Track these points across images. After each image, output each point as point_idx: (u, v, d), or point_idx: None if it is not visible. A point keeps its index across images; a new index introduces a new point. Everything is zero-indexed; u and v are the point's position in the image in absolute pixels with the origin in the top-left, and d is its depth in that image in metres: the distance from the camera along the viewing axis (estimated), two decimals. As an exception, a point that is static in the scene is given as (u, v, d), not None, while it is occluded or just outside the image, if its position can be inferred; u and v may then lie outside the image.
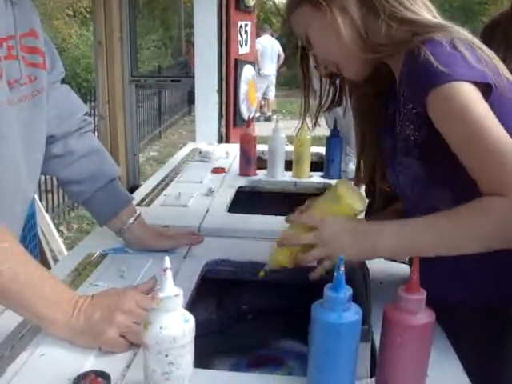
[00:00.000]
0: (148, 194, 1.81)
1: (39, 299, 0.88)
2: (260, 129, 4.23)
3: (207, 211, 1.62)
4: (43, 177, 4.16)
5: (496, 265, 0.98)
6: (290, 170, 2.03)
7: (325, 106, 1.17)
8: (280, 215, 1.57)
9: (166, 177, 2.04)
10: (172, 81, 3.41)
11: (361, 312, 0.75)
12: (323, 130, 1.96)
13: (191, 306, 1.08)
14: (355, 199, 1.02)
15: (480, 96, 0.86)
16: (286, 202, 1.97)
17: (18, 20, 0.99)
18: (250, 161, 2.02)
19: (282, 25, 13.78)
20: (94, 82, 3.01)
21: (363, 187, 1.28)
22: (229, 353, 1.23)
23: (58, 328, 0.89)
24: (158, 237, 1.31)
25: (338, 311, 0.73)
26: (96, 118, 2.77)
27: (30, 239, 2.02)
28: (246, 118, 2.87)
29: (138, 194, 1.79)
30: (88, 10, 11.66)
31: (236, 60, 2.86)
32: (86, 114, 1.27)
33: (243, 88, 2.94)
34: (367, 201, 1.12)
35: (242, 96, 2.93)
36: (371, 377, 0.83)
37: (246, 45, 3.03)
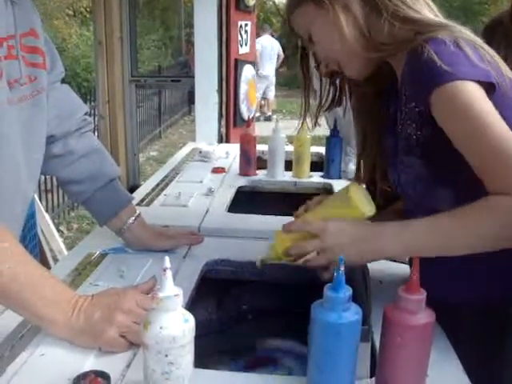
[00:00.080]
0: (148, 194, 1.81)
1: (39, 299, 0.88)
2: (260, 129, 4.23)
3: (207, 211, 1.62)
4: (43, 177, 4.16)
5: (496, 265, 0.98)
6: (290, 169, 2.03)
7: (325, 105, 1.17)
8: (280, 215, 1.58)
9: (165, 177, 2.04)
10: (172, 81, 3.41)
11: (361, 312, 0.75)
12: (323, 130, 1.96)
13: (191, 305, 1.08)
14: (365, 204, 1.02)
15: (484, 94, 0.86)
16: (285, 201, 1.97)
17: (18, 20, 0.99)
18: (250, 161, 2.02)
19: (282, 25, 13.78)
20: (94, 81, 3.01)
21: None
22: (229, 353, 1.23)
23: (57, 328, 0.89)
24: (157, 237, 1.31)
25: (337, 311, 0.73)
26: (96, 118, 2.77)
27: (30, 239, 2.03)
28: (246, 117, 2.87)
29: (138, 194, 1.79)
30: (88, 9, 11.67)
31: (236, 60, 2.86)
32: (86, 114, 1.27)
33: (243, 88, 2.94)
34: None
35: (241, 96, 2.93)
36: (371, 377, 0.83)
37: (246, 45, 3.03)
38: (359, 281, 1.18)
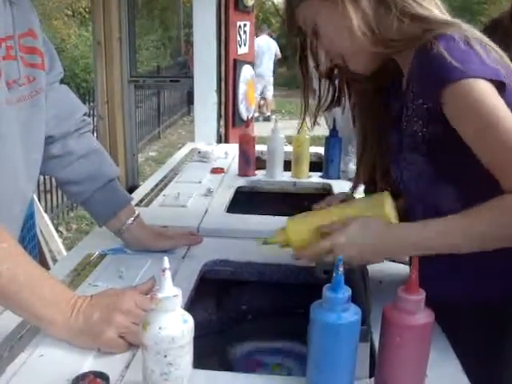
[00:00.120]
0: (147, 195, 1.81)
1: (38, 300, 0.88)
2: (259, 129, 4.23)
3: (206, 211, 1.62)
4: (42, 177, 4.16)
5: (496, 265, 0.98)
6: (289, 170, 2.03)
7: (324, 105, 1.17)
8: (279, 215, 1.58)
9: (164, 177, 2.04)
10: (171, 81, 3.41)
11: (360, 312, 0.75)
12: (322, 130, 1.96)
13: (190, 306, 1.08)
14: (393, 213, 1.01)
15: (495, 91, 0.86)
16: (285, 202, 1.97)
17: (17, 20, 0.99)
18: (249, 161, 2.01)
19: (280, 25, 13.79)
20: (93, 82, 3.01)
21: (361, 188, 1.28)
22: (228, 353, 1.23)
23: (56, 328, 0.89)
24: (156, 237, 1.31)
25: (337, 312, 0.73)
26: (95, 119, 2.77)
27: (29, 240, 2.02)
28: (244, 118, 2.87)
29: (137, 195, 1.78)
30: (87, 10, 11.66)
31: (235, 60, 2.86)
32: (84, 115, 1.27)
33: (242, 88, 2.94)
34: None
35: (240, 96, 2.93)
36: (370, 377, 0.83)
37: (244, 45, 3.03)
38: (358, 281, 1.18)
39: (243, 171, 2.03)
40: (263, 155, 2.17)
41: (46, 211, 3.88)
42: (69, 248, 3.16)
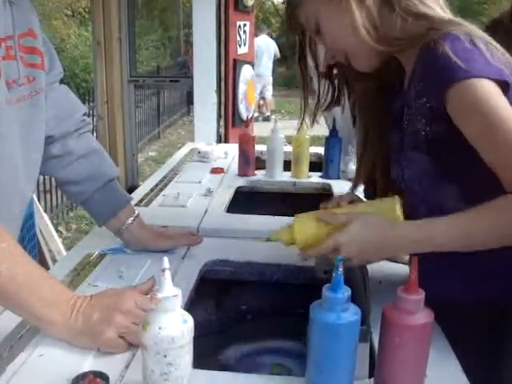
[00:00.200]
0: (147, 195, 1.81)
1: (37, 300, 0.88)
2: (259, 129, 4.23)
3: (206, 211, 1.62)
4: (42, 177, 4.16)
5: (495, 265, 0.98)
6: (289, 170, 2.03)
7: (323, 104, 1.17)
8: (279, 215, 1.58)
9: (164, 177, 2.04)
10: (171, 81, 3.41)
11: (360, 312, 0.75)
12: (322, 130, 1.96)
13: (190, 306, 1.08)
14: (402, 218, 1.00)
15: (499, 91, 0.86)
16: (284, 202, 1.97)
17: (17, 20, 0.99)
18: (249, 161, 2.01)
19: (280, 25, 13.80)
20: (93, 82, 3.01)
21: (361, 188, 1.28)
22: (228, 353, 1.23)
23: (56, 329, 0.89)
24: (156, 237, 1.31)
25: (336, 312, 0.73)
26: (95, 119, 2.77)
27: (29, 239, 2.02)
28: (244, 118, 2.87)
29: (137, 195, 1.79)
30: (87, 10, 11.66)
31: (235, 60, 2.86)
32: (84, 115, 1.27)
33: (242, 88, 2.94)
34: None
35: (240, 96, 2.93)
36: (370, 377, 0.83)
37: (244, 45, 3.03)
38: (358, 281, 1.18)
39: (243, 171, 2.03)
40: (263, 155, 2.16)
41: (45, 211, 3.88)
42: (68, 248, 3.16)
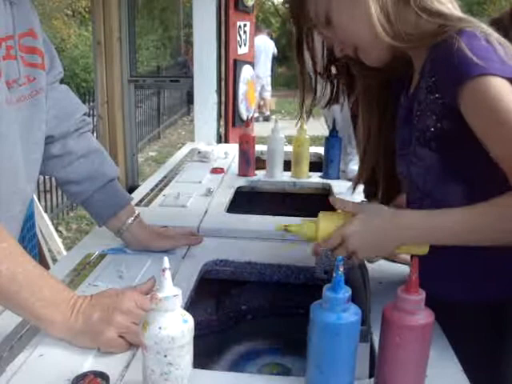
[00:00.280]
0: (147, 195, 1.81)
1: (38, 300, 0.88)
2: (259, 129, 4.23)
3: (206, 211, 1.62)
4: (42, 177, 4.16)
5: (496, 265, 0.98)
6: (289, 170, 2.03)
7: (322, 101, 1.17)
8: (279, 215, 1.58)
9: (164, 177, 2.04)
10: (171, 81, 3.40)
11: (360, 312, 0.75)
12: (322, 130, 1.96)
13: (190, 306, 1.08)
14: None
15: None
16: (284, 202, 1.97)
17: (17, 20, 0.99)
18: (249, 161, 2.01)
19: (280, 25, 13.79)
20: (93, 82, 3.01)
21: (361, 187, 1.28)
22: (228, 353, 1.23)
23: (56, 328, 0.89)
24: (156, 237, 1.31)
25: (336, 312, 0.73)
26: (95, 118, 2.77)
27: (29, 239, 2.02)
28: (244, 118, 2.87)
29: (137, 194, 1.78)
30: (87, 10, 11.67)
31: (235, 60, 2.86)
32: (84, 115, 1.27)
33: (242, 88, 2.94)
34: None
35: (240, 96, 2.93)
36: (370, 377, 0.83)
37: (244, 45, 3.03)
38: (358, 281, 1.18)
39: (243, 171, 2.03)
40: (263, 155, 2.17)
41: (45, 211, 3.88)
42: (69, 248, 3.16)
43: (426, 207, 1.01)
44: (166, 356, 0.74)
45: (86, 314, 0.89)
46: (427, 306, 0.75)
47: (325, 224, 1.00)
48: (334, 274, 0.73)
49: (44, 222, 3.04)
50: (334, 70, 1.17)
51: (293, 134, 1.99)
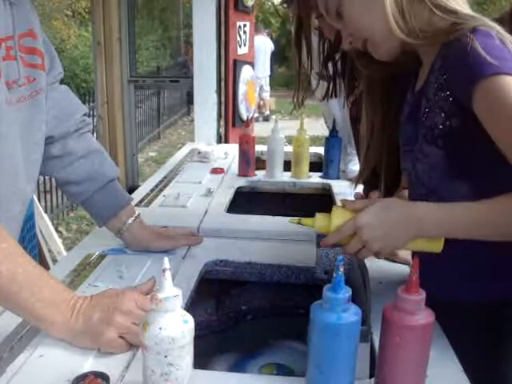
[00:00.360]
0: (147, 195, 1.81)
1: (38, 300, 0.88)
2: (259, 129, 4.23)
3: (206, 212, 1.62)
4: (42, 177, 4.16)
5: (496, 265, 0.98)
6: (289, 170, 2.03)
7: (318, 94, 1.17)
8: (279, 215, 1.58)
9: (164, 177, 2.04)
10: (171, 81, 3.41)
11: (360, 313, 0.75)
12: (322, 130, 1.96)
13: (190, 306, 1.08)
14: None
15: None
16: (284, 202, 1.98)
17: (17, 20, 0.99)
18: (249, 161, 2.01)
19: (280, 25, 13.80)
20: (93, 82, 3.01)
21: (361, 186, 1.29)
22: (228, 353, 1.23)
23: (56, 329, 0.89)
24: (157, 237, 1.31)
25: (337, 312, 0.73)
26: (95, 119, 2.77)
27: (29, 240, 2.02)
28: (244, 118, 2.87)
29: (137, 195, 1.78)
30: (87, 10, 11.67)
31: (235, 60, 2.86)
32: (84, 115, 1.27)
33: (242, 88, 2.94)
34: None
35: (240, 96, 2.93)
36: (370, 377, 0.83)
37: (244, 45, 3.03)
38: (359, 281, 1.18)
39: (243, 171, 2.03)
40: (263, 155, 2.17)
41: (45, 211, 3.88)
42: (69, 248, 3.16)
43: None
44: (166, 356, 0.74)
45: (86, 315, 0.89)
46: (427, 306, 0.75)
47: (338, 216, 0.98)
48: (335, 275, 0.73)
49: (44, 222, 3.04)
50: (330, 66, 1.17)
51: (293, 134, 1.99)
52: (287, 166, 2.03)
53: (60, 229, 4.62)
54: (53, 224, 3.41)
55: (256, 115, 7.81)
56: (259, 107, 9.57)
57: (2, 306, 0.94)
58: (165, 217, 1.56)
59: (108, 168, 1.28)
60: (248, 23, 3.06)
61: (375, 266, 1.17)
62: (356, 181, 1.27)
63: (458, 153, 0.95)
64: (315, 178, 2.02)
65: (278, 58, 11.05)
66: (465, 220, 0.90)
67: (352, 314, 0.74)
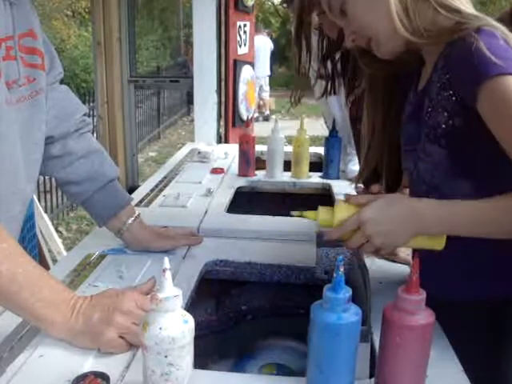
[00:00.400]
0: (147, 195, 1.81)
1: (38, 300, 0.88)
2: (259, 129, 4.23)
3: (206, 212, 1.62)
4: (42, 177, 4.16)
5: (496, 265, 0.98)
6: (289, 170, 2.03)
7: (316, 92, 1.17)
8: (279, 215, 1.58)
9: (164, 177, 2.04)
10: (171, 81, 3.40)
11: (360, 313, 0.75)
12: (322, 130, 1.96)
13: (190, 306, 1.08)
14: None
15: None
16: (284, 202, 1.97)
17: (17, 20, 0.99)
18: (249, 161, 2.01)
19: (280, 25, 13.79)
20: (93, 82, 3.01)
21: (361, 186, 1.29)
22: (228, 353, 1.23)
23: (56, 329, 0.89)
24: (157, 237, 1.31)
25: (337, 312, 0.73)
26: (95, 119, 2.77)
27: (29, 240, 2.02)
28: (244, 118, 2.87)
29: (137, 195, 1.78)
30: (87, 10, 11.67)
31: (235, 60, 2.86)
32: (84, 115, 1.27)
33: (242, 88, 2.94)
34: None
35: (240, 96, 2.93)
36: (370, 377, 0.83)
37: (244, 45, 3.03)
38: (359, 281, 1.18)
39: (243, 171, 2.03)
40: (263, 155, 2.17)
41: (45, 211, 3.88)
42: (69, 248, 3.16)
43: None
44: (166, 356, 0.74)
45: (86, 315, 0.89)
46: (427, 306, 0.75)
47: (342, 210, 0.98)
48: (335, 275, 0.73)
49: (44, 222, 3.04)
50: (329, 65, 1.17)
51: (293, 134, 1.99)
52: (287, 166, 2.03)
53: (60, 229, 4.62)
54: (53, 224, 3.41)
55: (256, 115, 7.80)
56: (259, 107, 9.56)
57: (2, 305, 0.94)
58: (165, 217, 1.56)
59: (108, 168, 1.28)
60: (248, 23, 3.06)
61: (375, 266, 1.17)
62: (356, 181, 1.27)
63: (460, 152, 0.95)
64: (315, 178, 2.02)
65: (277, 57, 11.04)
66: (466, 218, 0.90)
67: (352, 314, 0.74)
